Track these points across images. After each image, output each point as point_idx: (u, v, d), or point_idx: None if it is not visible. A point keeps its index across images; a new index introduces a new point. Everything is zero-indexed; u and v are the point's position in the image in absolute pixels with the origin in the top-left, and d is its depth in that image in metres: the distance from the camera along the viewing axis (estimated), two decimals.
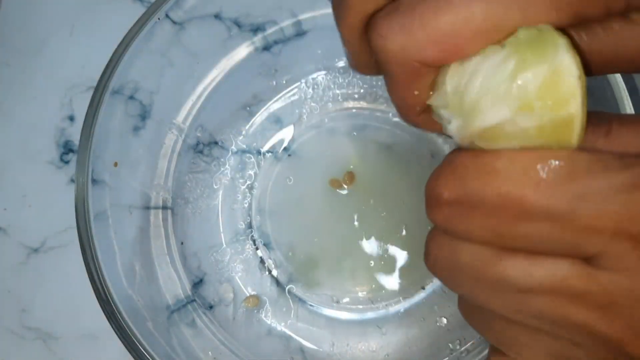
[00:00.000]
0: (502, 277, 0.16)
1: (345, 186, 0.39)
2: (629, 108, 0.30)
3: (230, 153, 0.41)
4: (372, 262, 0.38)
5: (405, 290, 0.38)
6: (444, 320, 0.37)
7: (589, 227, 0.15)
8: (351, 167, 0.40)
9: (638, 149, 0.16)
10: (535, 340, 0.17)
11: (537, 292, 0.16)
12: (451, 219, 0.16)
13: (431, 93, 0.18)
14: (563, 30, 0.16)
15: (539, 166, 0.15)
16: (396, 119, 0.40)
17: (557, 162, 0.15)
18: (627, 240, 0.14)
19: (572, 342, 0.17)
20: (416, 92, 0.17)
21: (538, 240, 0.15)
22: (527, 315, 0.17)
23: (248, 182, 0.41)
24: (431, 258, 0.18)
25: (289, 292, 0.39)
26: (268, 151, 0.41)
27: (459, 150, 0.17)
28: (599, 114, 0.17)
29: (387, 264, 0.38)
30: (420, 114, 0.18)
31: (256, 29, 0.39)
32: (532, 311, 0.16)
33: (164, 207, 0.38)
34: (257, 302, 0.38)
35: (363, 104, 0.42)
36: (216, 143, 0.41)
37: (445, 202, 0.16)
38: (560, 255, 0.16)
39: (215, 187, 0.40)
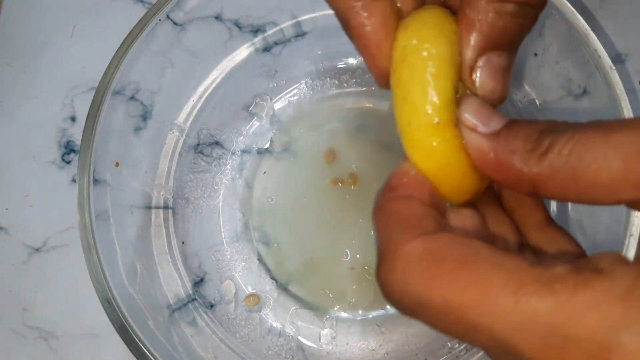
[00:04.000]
0: None
1: (341, 185, 0.40)
2: (626, 109, 0.30)
3: (230, 153, 0.41)
4: (372, 261, 0.39)
5: None
6: None
7: None
8: (352, 167, 0.40)
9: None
10: None
11: None
12: (410, 315, 0.18)
13: None
14: None
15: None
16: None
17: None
18: None
19: None
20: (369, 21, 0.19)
21: None
22: None
23: (248, 182, 0.41)
24: None
25: (289, 291, 0.39)
26: (268, 151, 0.41)
27: (403, 233, 0.17)
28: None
29: None
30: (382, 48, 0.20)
31: (256, 30, 0.39)
32: None
33: (165, 207, 0.38)
34: (257, 301, 0.39)
35: (363, 104, 0.42)
36: (217, 143, 0.41)
37: (396, 303, 0.18)
38: None
39: (216, 187, 0.41)
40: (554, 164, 0.16)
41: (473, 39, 0.19)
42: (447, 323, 0.16)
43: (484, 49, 0.19)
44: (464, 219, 0.20)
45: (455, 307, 0.15)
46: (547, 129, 0.17)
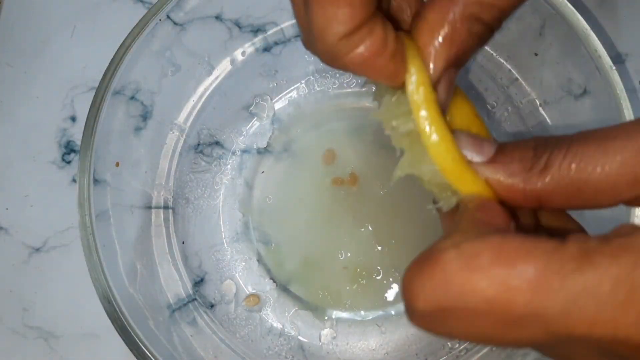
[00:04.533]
0: None
1: (341, 185, 0.40)
2: (627, 109, 0.30)
3: (231, 153, 0.41)
4: (372, 262, 0.39)
5: None
6: None
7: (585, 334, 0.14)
8: (351, 167, 0.40)
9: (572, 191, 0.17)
10: None
11: None
12: (432, 327, 0.16)
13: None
14: None
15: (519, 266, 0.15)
16: None
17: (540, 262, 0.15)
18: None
19: None
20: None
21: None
22: None
23: (248, 182, 0.41)
24: None
25: (289, 291, 0.39)
26: (268, 151, 0.41)
27: (438, 242, 0.17)
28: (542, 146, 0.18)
29: (388, 262, 0.38)
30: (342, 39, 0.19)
31: (257, 30, 0.39)
32: None
33: (165, 207, 0.38)
34: (257, 301, 0.39)
35: (363, 104, 0.42)
36: (217, 143, 0.41)
37: (422, 313, 0.16)
38: None
39: (216, 187, 0.41)
40: (556, 178, 0.17)
41: (443, 54, 0.20)
42: (488, 322, 0.15)
43: (449, 66, 0.20)
44: (495, 214, 0.20)
45: (500, 301, 0.15)
46: (540, 146, 0.18)
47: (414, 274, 0.17)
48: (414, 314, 0.16)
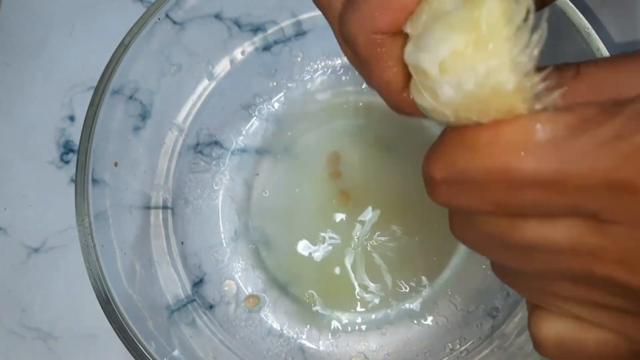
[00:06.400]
0: (523, 242, 0.16)
1: (341, 185, 0.39)
2: None
3: (230, 153, 0.41)
4: (373, 262, 0.38)
5: (406, 291, 0.38)
6: (444, 320, 0.37)
7: (581, 186, 0.14)
8: (354, 167, 0.40)
9: (609, 89, 0.16)
10: (571, 292, 0.17)
11: (559, 252, 0.16)
12: (450, 198, 0.17)
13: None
14: None
15: (520, 134, 0.15)
16: (398, 119, 0.40)
17: (537, 127, 0.15)
18: (625, 192, 0.14)
19: (605, 294, 0.16)
20: (391, 67, 0.18)
21: (540, 206, 0.15)
22: (557, 274, 0.17)
23: (248, 182, 0.41)
24: (457, 234, 0.18)
25: (289, 291, 0.39)
26: (268, 151, 0.41)
27: (446, 129, 0.17)
28: (565, 64, 0.17)
29: (389, 264, 0.38)
30: (404, 91, 0.19)
31: (256, 29, 0.39)
32: (561, 269, 0.16)
33: (164, 207, 0.38)
34: (257, 301, 0.38)
35: (364, 102, 0.42)
36: (216, 143, 0.41)
37: (439, 183, 0.16)
38: (570, 215, 0.15)
39: (216, 187, 0.40)
40: (590, 82, 0.16)
41: None
42: (495, 188, 0.15)
43: None
44: None
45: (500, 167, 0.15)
46: (567, 63, 0.17)
47: (430, 154, 0.17)
48: (433, 187, 0.17)
